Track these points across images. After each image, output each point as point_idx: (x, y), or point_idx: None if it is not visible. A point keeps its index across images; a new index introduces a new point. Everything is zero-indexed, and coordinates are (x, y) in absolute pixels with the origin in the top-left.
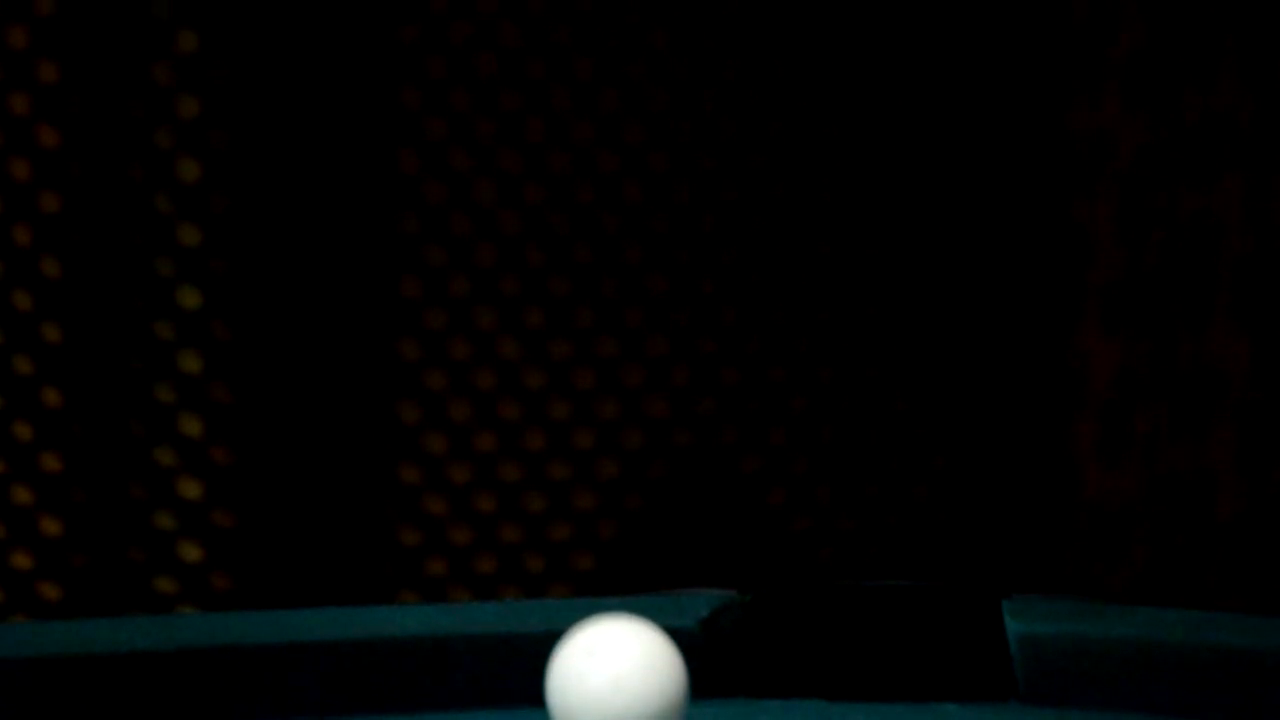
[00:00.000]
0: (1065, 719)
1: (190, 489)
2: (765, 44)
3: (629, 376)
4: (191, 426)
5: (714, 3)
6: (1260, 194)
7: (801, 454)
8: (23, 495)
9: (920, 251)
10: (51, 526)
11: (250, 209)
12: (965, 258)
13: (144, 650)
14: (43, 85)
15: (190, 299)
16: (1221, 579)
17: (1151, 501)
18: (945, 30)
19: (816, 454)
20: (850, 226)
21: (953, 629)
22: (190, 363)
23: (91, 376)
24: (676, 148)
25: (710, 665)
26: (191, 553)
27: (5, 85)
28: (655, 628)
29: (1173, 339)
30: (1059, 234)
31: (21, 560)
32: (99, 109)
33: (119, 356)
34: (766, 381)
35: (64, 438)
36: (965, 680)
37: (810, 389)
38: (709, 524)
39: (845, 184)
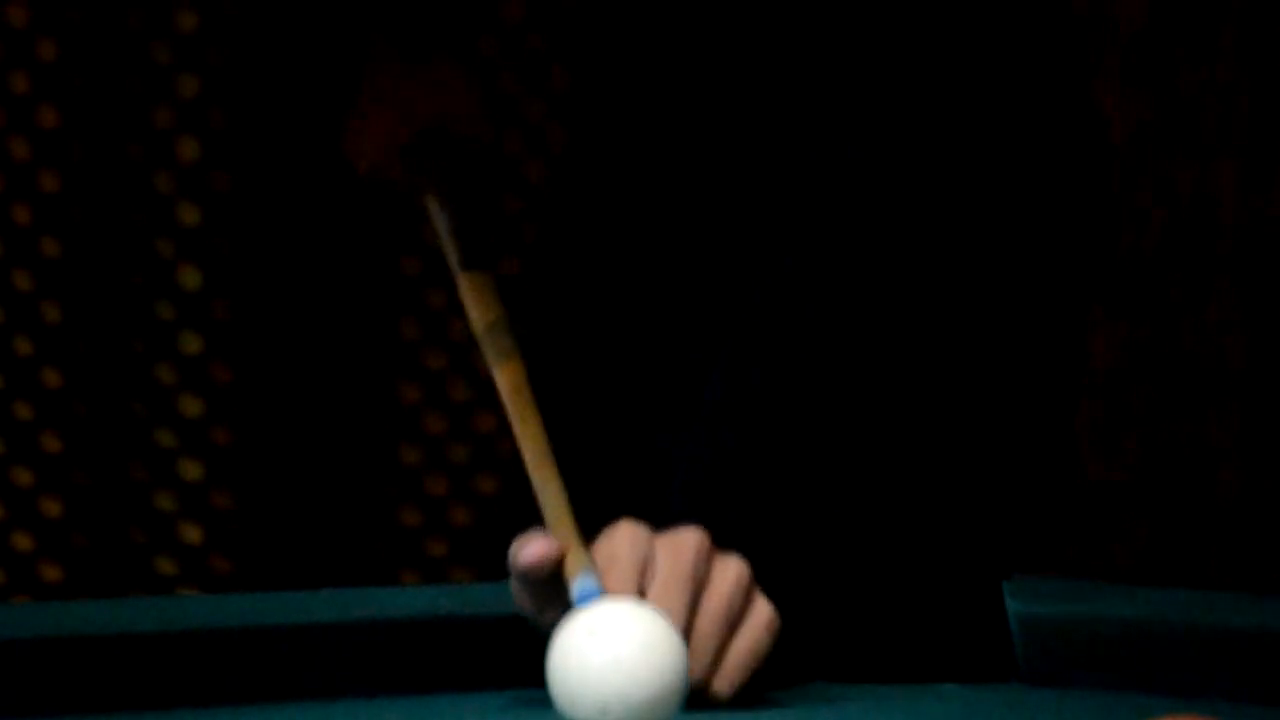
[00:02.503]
0: (1066, 699)
1: (191, 470)
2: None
3: None
4: (192, 407)
5: None
6: (1258, 174)
7: None
8: (23, 476)
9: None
10: (52, 507)
11: (251, 188)
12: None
13: (144, 631)
14: (42, 64)
15: (191, 279)
16: (1222, 558)
17: (1152, 480)
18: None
19: None
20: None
21: (952, 609)
22: (191, 343)
23: (92, 357)
24: None
25: None
26: (192, 534)
27: (4, 64)
28: (656, 609)
29: (1172, 318)
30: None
31: (22, 541)
32: (98, 86)
33: (119, 337)
34: None
35: (64, 418)
36: (965, 661)
37: None
38: None
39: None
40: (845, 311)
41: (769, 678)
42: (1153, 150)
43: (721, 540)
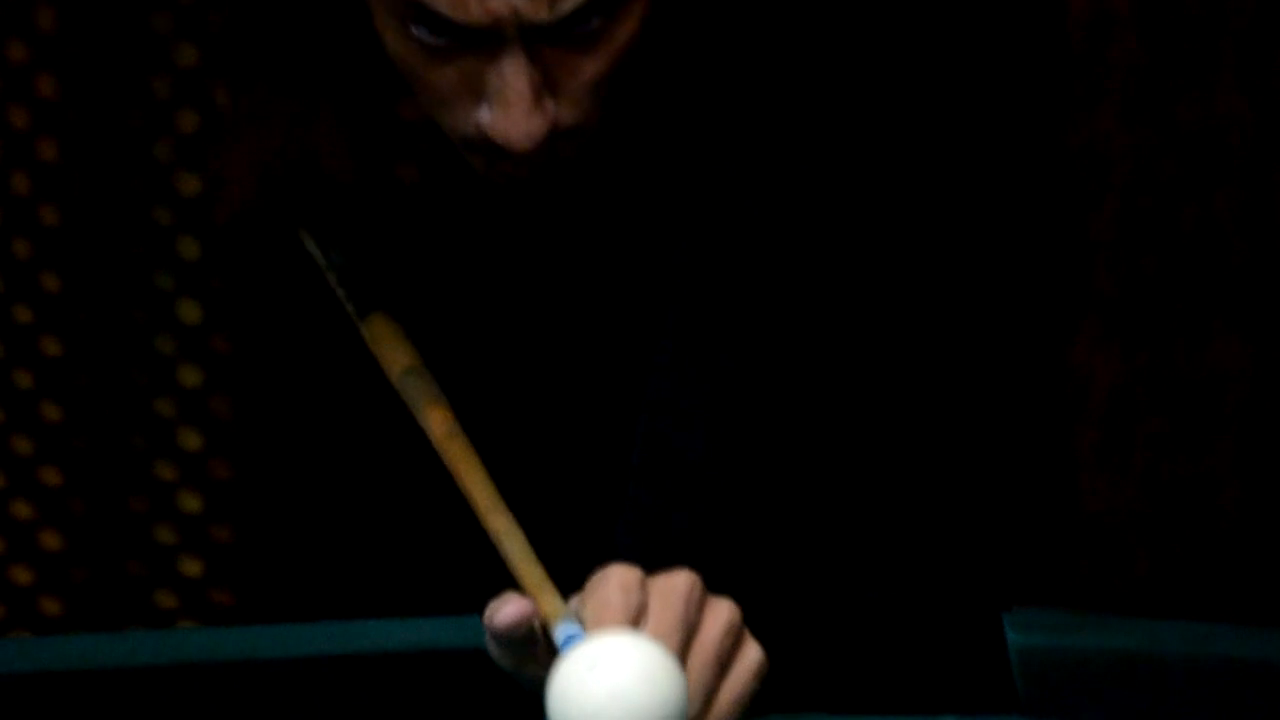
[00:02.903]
0: None
1: (191, 502)
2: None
3: None
4: (191, 440)
5: None
6: (1259, 202)
7: None
8: (23, 510)
9: (920, 262)
10: (52, 541)
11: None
12: (965, 268)
13: (145, 665)
14: (40, 98)
15: (190, 312)
16: (1224, 588)
17: (1153, 511)
18: (944, 37)
19: None
20: (851, 231)
21: (952, 642)
22: (190, 376)
23: (91, 389)
24: None
25: None
26: (192, 567)
27: (2, 98)
28: (657, 641)
29: (1173, 347)
30: (1059, 243)
31: (22, 575)
32: (97, 121)
33: (119, 369)
34: None
35: (64, 451)
36: (965, 693)
37: None
38: None
39: (849, 187)
40: (831, 334)
41: (755, 714)
42: (1154, 180)
43: (711, 579)
